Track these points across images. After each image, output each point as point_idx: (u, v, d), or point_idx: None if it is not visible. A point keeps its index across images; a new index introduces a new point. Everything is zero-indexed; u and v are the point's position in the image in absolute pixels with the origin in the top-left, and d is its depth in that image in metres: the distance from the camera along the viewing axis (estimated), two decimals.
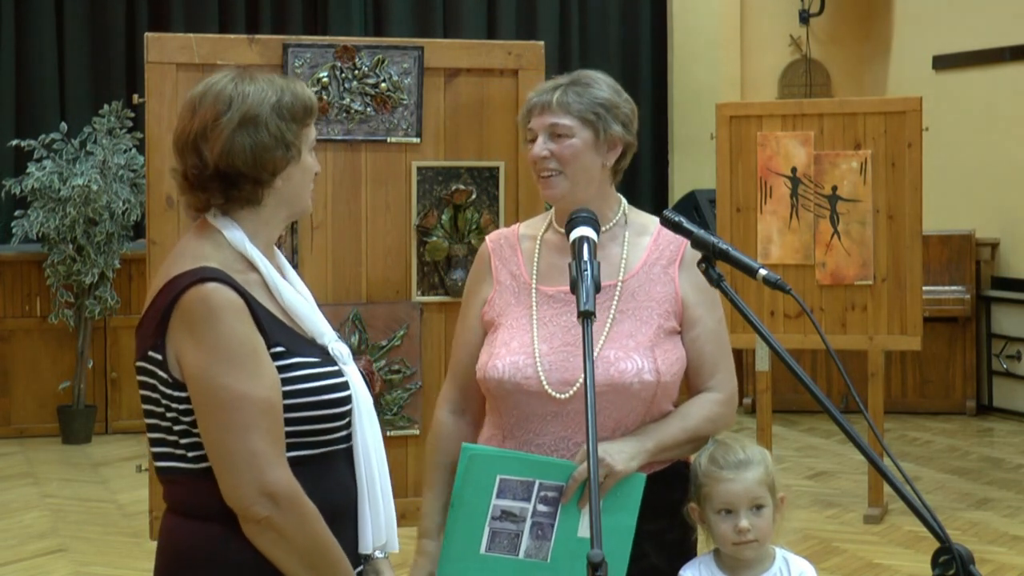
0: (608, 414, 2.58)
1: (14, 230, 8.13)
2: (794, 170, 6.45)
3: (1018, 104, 8.99)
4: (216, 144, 2.21)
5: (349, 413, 2.28)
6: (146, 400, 2.24)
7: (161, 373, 2.19)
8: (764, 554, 2.59)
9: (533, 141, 2.71)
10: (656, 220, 2.73)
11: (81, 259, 8.07)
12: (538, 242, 2.78)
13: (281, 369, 2.20)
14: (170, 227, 3.83)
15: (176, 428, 2.20)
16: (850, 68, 10.48)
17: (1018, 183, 9.00)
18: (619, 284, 2.68)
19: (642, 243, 2.73)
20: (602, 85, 2.72)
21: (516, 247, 2.80)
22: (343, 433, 2.29)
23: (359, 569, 2.35)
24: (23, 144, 8.16)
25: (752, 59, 10.43)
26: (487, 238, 2.88)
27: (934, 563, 2.11)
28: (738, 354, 9.28)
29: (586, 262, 2.45)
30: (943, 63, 9.58)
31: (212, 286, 2.16)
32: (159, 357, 2.18)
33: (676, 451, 2.64)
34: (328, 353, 2.31)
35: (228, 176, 2.23)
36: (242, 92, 2.24)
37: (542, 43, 4.22)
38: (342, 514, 2.28)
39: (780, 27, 10.42)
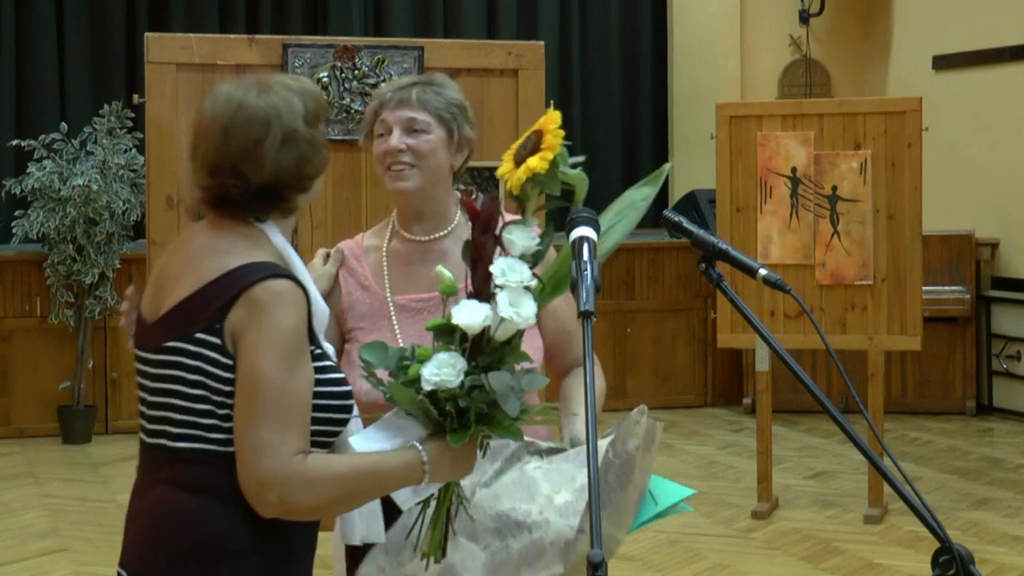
0: None
1: (14, 230, 8.12)
2: (794, 170, 6.45)
3: (1018, 104, 8.99)
4: (264, 165, 2.25)
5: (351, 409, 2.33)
6: (174, 380, 2.25)
7: (215, 355, 2.21)
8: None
9: (382, 135, 2.72)
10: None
11: (81, 259, 8.06)
12: (384, 252, 2.79)
13: (317, 370, 2.25)
14: (170, 227, 3.83)
15: (220, 412, 2.22)
16: (850, 68, 10.48)
17: (1018, 183, 8.99)
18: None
19: None
20: (453, 88, 2.77)
21: (361, 258, 2.80)
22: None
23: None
24: (23, 144, 8.16)
25: (752, 59, 10.43)
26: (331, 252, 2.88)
27: (934, 563, 2.10)
28: (738, 354, 9.37)
29: (586, 262, 2.44)
30: (943, 63, 9.58)
31: (287, 283, 2.22)
32: (216, 341, 2.21)
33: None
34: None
35: (274, 191, 2.28)
36: (274, 109, 2.27)
37: (542, 43, 4.23)
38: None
39: (780, 27, 10.42)
